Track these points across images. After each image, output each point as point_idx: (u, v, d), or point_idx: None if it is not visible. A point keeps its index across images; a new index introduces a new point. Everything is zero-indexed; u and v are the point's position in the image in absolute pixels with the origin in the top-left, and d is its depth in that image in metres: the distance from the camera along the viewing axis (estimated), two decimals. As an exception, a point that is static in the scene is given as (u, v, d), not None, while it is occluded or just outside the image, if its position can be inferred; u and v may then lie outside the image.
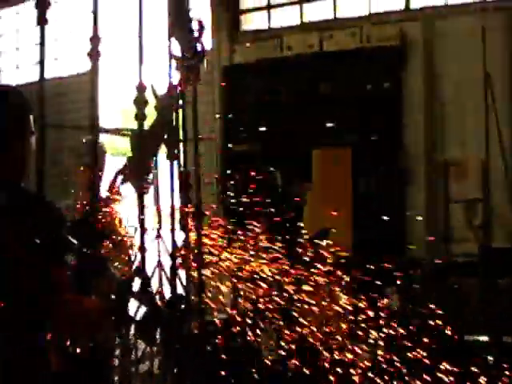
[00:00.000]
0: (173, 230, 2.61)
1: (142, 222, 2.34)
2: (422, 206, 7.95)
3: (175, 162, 2.83)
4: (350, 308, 4.19)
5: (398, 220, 7.76)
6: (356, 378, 3.73)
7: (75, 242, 2.00)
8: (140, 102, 2.52)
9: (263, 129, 8.19)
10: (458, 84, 7.90)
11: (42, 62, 1.67)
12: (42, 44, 1.68)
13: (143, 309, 2.36)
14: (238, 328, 3.54)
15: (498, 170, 7.39)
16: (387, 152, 7.74)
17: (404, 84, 8.11)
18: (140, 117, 2.52)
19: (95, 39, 1.84)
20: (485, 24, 7.52)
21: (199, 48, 2.60)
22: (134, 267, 2.71)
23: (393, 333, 4.27)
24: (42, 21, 1.71)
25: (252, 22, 9.22)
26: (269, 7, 9.01)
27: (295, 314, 3.82)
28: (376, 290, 7.01)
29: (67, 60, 10.62)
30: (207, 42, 8.91)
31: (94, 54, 1.88)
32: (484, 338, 7.29)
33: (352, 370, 3.77)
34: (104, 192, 3.58)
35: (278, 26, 8.95)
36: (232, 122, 8.02)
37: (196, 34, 2.59)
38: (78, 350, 1.98)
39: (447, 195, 7.87)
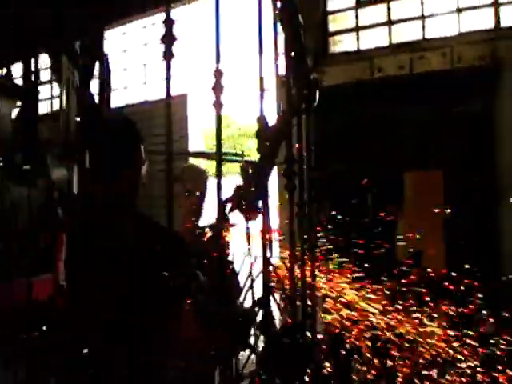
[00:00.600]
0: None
1: (264, 249, 2.39)
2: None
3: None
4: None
5: (492, 243, 7.73)
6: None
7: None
8: (261, 136, 2.55)
9: (354, 152, 8.31)
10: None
11: (168, 95, 1.79)
12: (168, 79, 1.80)
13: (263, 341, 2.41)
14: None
15: None
16: (480, 174, 7.68)
17: (496, 105, 8.01)
18: (260, 150, 2.56)
19: (217, 73, 1.94)
20: None
21: (313, 78, 2.69)
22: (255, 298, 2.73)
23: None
24: (168, 56, 1.80)
25: (341, 44, 9.30)
26: (357, 28, 9.08)
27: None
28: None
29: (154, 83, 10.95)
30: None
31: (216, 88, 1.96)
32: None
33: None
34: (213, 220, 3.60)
35: (367, 48, 8.99)
36: (322, 146, 8.12)
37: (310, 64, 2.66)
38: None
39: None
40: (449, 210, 7.83)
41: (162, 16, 1.80)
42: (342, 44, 9.29)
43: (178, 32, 1.74)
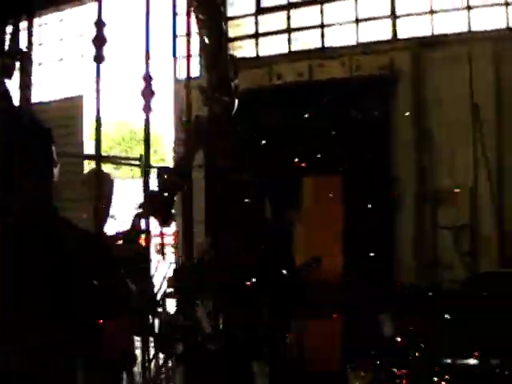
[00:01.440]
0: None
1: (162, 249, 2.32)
2: (411, 233, 8.07)
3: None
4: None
5: (387, 247, 7.86)
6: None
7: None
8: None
9: (253, 158, 8.26)
10: (446, 113, 8.04)
11: (98, 98, 1.68)
12: (97, 83, 1.69)
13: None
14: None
15: (486, 197, 7.52)
16: (377, 180, 7.81)
17: (394, 113, 8.22)
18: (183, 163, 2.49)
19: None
20: (472, 53, 7.66)
21: (233, 85, 2.63)
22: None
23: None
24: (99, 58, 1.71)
25: (241, 50, 9.27)
26: (257, 35, 9.08)
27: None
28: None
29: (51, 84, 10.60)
30: (195, 68, 8.96)
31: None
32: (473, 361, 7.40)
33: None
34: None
35: (266, 54, 9.01)
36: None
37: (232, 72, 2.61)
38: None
39: (435, 222, 7.99)
40: (347, 216, 7.91)
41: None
42: (242, 50, 9.26)
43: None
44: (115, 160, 9.12)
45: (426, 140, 8.12)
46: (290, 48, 9.01)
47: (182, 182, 2.51)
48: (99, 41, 1.64)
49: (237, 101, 2.61)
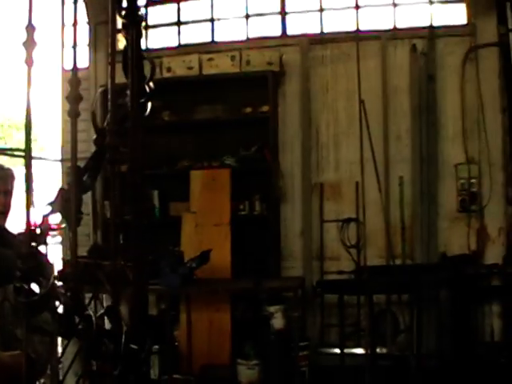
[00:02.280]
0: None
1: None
2: (299, 227, 8.16)
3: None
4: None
5: (274, 240, 7.91)
6: None
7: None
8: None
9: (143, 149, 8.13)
10: (333, 109, 8.21)
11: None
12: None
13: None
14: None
15: (372, 190, 7.67)
16: (265, 174, 7.85)
17: (282, 108, 8.32)
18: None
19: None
20: (359, 51, 7.82)
21: (148, 89, 2.52)
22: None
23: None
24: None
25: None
26: (146, 27, 8.94)
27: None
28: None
29: None
30: (84, 60, 8.76)
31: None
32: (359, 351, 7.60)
33: None
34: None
35: (155, 47, 8.89)
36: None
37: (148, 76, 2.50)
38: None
39: (322, 215, 8.09)
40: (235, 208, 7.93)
41: None
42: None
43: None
44: (-4, 151, 8.76)
45: (313, 134, 8.24)
46: (179, 41, 8.92)
47: (91, 182, 2.38)
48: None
49: (150, 103, 2.50)
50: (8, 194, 3.86)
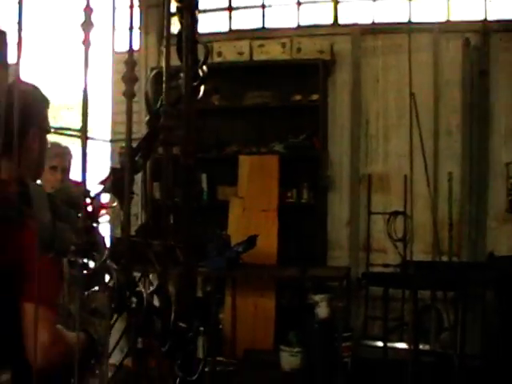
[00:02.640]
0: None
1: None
2: (346, 217, 8.10)
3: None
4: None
5: (321, 229, 7.86)
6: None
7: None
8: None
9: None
10: (383, 100, 8.14)
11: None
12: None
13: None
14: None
15: (421, 184, 7.59)
16: (313, 162, 7.79)
17: (331, 98, 8.24)
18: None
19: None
20: (411, 43, 7.73)
21: (201, 73, 2.48)
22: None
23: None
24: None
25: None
26: (198, 11, 8.89)
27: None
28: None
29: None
30: (136, 42, 8.74)
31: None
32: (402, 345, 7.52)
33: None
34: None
35: (206, 32, 8.84)
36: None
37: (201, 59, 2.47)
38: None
39: (369, 206, 8.02)
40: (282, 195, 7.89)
41: None
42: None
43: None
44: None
45: (362, 124, 8.17)
46: (230, 27, 8.88)
47: (143, 162, 2.35)
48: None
49: (203, 87, 2.46)
50: (65, 170, 4.01)
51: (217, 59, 8.32)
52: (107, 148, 8.83)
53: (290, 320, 7.25)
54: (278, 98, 8.15)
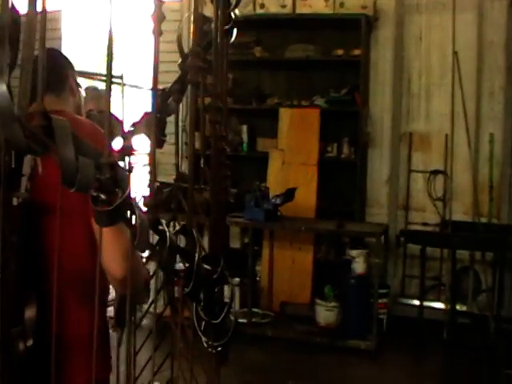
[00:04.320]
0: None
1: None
2: (386, 174, 8.00)
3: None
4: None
5: (361, 186, 7.78)
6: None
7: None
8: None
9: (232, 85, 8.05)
10: (426, 59, 7.98)
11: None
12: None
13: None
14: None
15: (462, 145, 7.50)
16: (354, 117, 7.68)
17: (374, 54, 8.09)
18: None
19: None
20: (456, 2, 7.60)
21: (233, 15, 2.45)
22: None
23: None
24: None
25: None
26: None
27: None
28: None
29: None
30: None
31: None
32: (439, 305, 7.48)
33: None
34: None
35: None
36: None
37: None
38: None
39: (410, 165, 7.93)
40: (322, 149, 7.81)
41: None
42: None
43: None
44: (90, 76, 8.69)
45: (404, 82, 8.03)
46: (274, -21, 8.74)
47: (175, 105, 2.30)
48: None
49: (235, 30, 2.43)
50: (101, 113, 4.12)
51: (259, 11, 8.18)
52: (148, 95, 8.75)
53: (328, 275, 7.20)
54: (320, 51, 8.02)
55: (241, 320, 6.95)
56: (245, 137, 8.11)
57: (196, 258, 1.92)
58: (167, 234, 1.77)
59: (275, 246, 7.49)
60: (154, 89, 1.77)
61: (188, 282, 1.93)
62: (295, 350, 6.71)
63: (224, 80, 2.41)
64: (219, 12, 2.26)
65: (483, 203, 7.57)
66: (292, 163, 7.62)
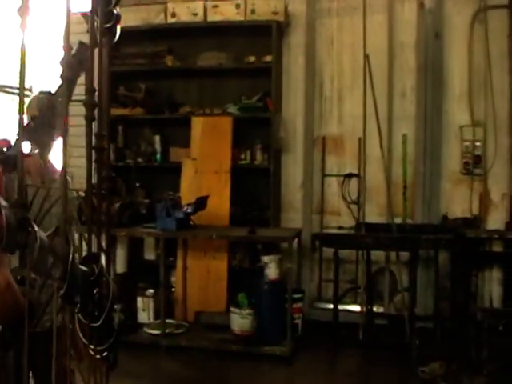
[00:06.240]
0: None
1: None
2: (300, 179, 8.05)
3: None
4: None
5: (275, 191, 7.81)
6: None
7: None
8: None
9: (142, 94, 8.04)
10: (338, 62, 8.06)
11: None
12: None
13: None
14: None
15: (375, 146, 7.57)
16: (267, 123, 7.71)
17: (286, 59, 8.16)
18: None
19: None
20: (366, 5, 7.70)
21: (116, 12, 2.43)
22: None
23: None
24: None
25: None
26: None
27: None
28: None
29: None
30: (86, 3, 8.52)
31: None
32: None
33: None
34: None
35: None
36: (112, 87, 7.73)
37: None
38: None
39: (323, 169, 7.98)
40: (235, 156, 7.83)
41: None
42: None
43: None
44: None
45: (317, 86, 8.09)
46: (184, -14, 8.72)
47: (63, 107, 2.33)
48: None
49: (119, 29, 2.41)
50: None
51: (171, 20, 8.18)
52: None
53: (243, 282, 7.21)
54: (232, 59, 8.05)
55: (155, 332, 6.92)
56: (158, 147, 8.08)
57: (70, 259, 1.90)
58: (37, 234, 1.75)
59: (190, 256, 7.47)
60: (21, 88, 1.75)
61: (62, 284, 1.91)
62: (211, 359, 6.70)
63: (104, 75, 2.36)
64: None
65: (397, 204, 7.67)
66: (205, 172, 7.62)
